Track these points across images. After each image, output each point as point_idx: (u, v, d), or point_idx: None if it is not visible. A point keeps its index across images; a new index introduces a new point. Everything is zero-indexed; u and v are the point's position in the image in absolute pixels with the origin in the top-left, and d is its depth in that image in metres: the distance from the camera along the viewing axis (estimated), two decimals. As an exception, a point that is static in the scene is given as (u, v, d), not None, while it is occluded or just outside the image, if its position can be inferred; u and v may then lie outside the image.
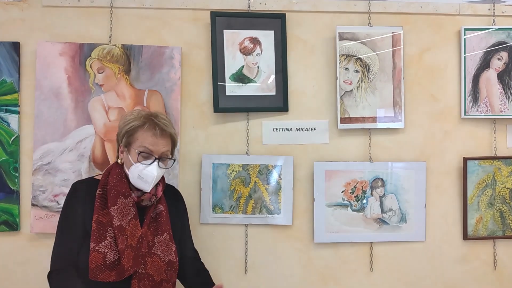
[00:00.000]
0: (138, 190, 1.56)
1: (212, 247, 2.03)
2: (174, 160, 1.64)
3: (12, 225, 1.96)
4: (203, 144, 2.06)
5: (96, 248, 1.47)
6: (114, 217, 1.49)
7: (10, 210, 1.96)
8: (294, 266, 2.07)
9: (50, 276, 1.53)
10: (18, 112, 1.98)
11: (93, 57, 1.99)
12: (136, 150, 1.54)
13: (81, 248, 1.50)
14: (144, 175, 1.52)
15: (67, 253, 1.52)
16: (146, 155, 1.54)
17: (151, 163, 1.53)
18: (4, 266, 1.97)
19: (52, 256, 1.55)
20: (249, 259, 2.05)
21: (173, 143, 1.63)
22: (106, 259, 1.47)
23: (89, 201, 1.53)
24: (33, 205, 1.94)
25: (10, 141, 1.97)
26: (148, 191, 1.53)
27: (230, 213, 2.03)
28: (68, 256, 1.51)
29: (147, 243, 1.54)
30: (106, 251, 1.47)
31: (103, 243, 1.48)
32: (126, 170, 1.57)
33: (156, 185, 1.59)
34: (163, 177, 1.65)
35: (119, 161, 1.61)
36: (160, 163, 1.55)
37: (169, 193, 1.70)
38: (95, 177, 1.65)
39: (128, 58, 2.00)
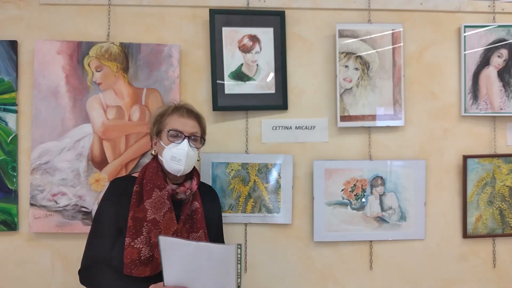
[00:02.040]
0: (173, 183, 1.58)
1: (212, 246, 2.03)
2: (204, 141, 1.65)
3: (11, 225, 1.95)
4: (202, 143, 2.05)
5: (132, 243, 1.48)
6: (148, 211, 1.50)
7: (8, 210, 1.95)
8: (293, 265, 2.07)
9: (81, 272, 1.55)
10: (16, 111, 1.97)
11: (91, 56, 1.98)
12: (167, 132, 1.57)
13: (114, 246, 1.51)
14: (176, 153, 1.54)
15: (98, 250, 1.53)
16: (175, 133, 1.56)
17: (181, 141, 1.55)
18: (2, 265, 1.97)
19: (84, 252, 1.56)
20: (248, 258, 2.05)
21: (202, 128, 1.64)
22: (141, 255, 1.47)
23: (124, 199, 1.54)
24: (31, 204, 1.94)
25: (8, 141, 1.96)
26: (182, 171, 1.54)
27: (230, 212, 2.02)
28: (100, 253, 1.53)
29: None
30: (141, 246, 1.48)
31: (138, 238, 1.49)
32: (160, 158, 1.58)
33: (191, 179, 1.61)
34: (197, 172, 1.67)
35: (153, 152, 1.62)
36: (190, 142, 1.56)
37: (205, 191, 1.71)
38: (133, 175, 1.66)
39: (126, 56, 1.99)
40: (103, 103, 1.98)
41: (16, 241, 1.97)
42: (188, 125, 1.58)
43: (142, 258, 1.47)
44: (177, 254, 1.40)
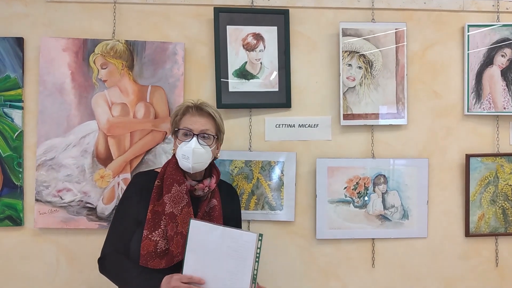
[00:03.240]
0: (192, 179, 1.60)
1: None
2: (217, 138, 1.65)
3: (16, 220, 1.97)
4: (206, 140, 2.06)
5: (149, 236, 1.51)
6: (167, 205, 1.53)
7: (14, 205, 1.97)
8: (296, 262, 2.08)
9: (100, 261, 1.58)
10: (21, 108, 1.99)
11: (96, 53, 1.99)
12: (178, 131, 1.61)
13: (132, 237, 1.55)
14: (185, 151, 1.56)
15: (118, 240, 1.57)
16: (185, 131, 1.59)
17: (190, 140, 1.58)
18: (8, 260, 1.99)
19: (104, 242, 1.60)
20: (251, 254, 2.06)
21: (217, 125, 1.64)
22: (157, 247, 1.50)
23: (145, 193, 1.58)
24: (36, 200, 1.95)
25: (14, 137, 1.98)
26: (191, 167, 1.56)
27: (233, 209, 2.03)
28: (119, 242, 1.56)
29: None
30: (158, 239, 1.51)
31: (156, 231, 1.52)
32: (177, 158, 1.61)
33: (210, 177, 1.64)
34: (217, 170, 1.69)
35: (172, 151, 1.66)
36: (199, 139, 1.58)
37: (224, 189, 1.73)
38: (156, 170, 1.68)
39: (131, 54, 2.01)
40: (108, 100, 1.99)
41: (21, 237, 1.99)
42: (197, 123, 1.60)
43: (158, 250, 1.50)
44: (203, 239, 1.44)
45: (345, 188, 2.06)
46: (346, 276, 2.09)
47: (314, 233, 2.07)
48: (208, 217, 1.60)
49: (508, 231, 2.11)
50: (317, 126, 2.09)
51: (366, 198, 2.07)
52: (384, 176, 2.07)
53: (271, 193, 2.05)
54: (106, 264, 1.57)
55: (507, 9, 2.15)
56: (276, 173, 2.05)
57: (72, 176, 1.96)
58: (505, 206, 2.11)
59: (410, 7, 2.13)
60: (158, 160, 1.98)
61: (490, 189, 2.10)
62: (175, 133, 1.64)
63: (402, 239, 2.10)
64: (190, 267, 1.45)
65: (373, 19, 2.10)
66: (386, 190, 2.07)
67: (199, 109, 1.62)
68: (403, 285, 2.10)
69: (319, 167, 2.05)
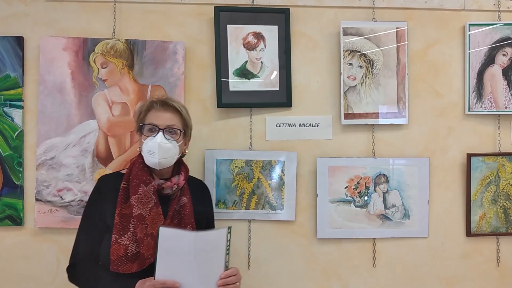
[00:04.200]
0: (160, 178, 1.58)
1: (215, 242, 2.04)
2: (182, 132, 1.62)
3: (16, 220, 1.97)
4: (207, 140, 2.06)
5: (118, 240, 1.48)
6: (134, 206, 1.50)
7: (14, 205, 1.97)
8: (297, 262, 2.07)
9: (69, 269, 1.56)
10: (21, 107, 1.98)
11: (96, 52, 1.99)
12: (143, 127, 1.58)
13: (101, 243, 1.52)
14: (150, 146, 1.54)
15: (86, 247, 1.54)
16: (149, 127, 1.57)
17: (156, 134, 1.55)
18: (8, 260, 1.98)
19: (72, 250, 1.57)
20: (252, 254, 2.06)
21: (183, 119, 1.63)
22: (128, 251, 1.47)
23: (112, 196, 1.55)
24: (37, 199, 1.95)
25: (14, 136, 1.98)
26: (157, 163, 1.54)
27: (233, 209, 2.03)
28: (88, 250, 1.53)
29: None
30: (128, 243, 1.48)
31: (125, 235, 1.49)
32: (143, 154, 1.58)
33: (178, 174, 1.61)
34: (186, 167, 1.67)
35: (138, 149, 1.63)
36: (166, 134, 1.56)
37: (194, 186, 1.71)
38: (121, 171, 1.66)
39: (131, 53, 2.00)
40: (108, 100, 1.99)
41: (21, 236, 1.98)
42: (163, 118, 1.57)
43: (129, 254, 1.47)
44: (174, 245, 1.41)
45: (346, 187, 2.06)
46: (347, 275, 2.09)
47: (315, 233, 2.07)
48: (178, 216, 1.58)
49: (509, 231, 2.11)
50: (317, 125, 2.09)
51: (367, 197, 2.06)
52: (385, 175, 2.07)
53: (271, 192, 2.04)
54: (76, 273, 1.54)
55: (508, 8, 2.15)
56: (276, 172, 2.04)
57: (73, 175, 1.96)
58: (507, 205, 2.11)
59: (411, 6, 2.12)
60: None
61: (491, 188, 2.10)
62: (139, 129, 1.60)
63: (403, 238, 2.09)
64: (163, 273, 1.41)
65: (374, 18, 2.10)
66: (387, 190, 2.07)
67: (164, 103, 1.60)
68: (404, 284, 2.10)
69: (319, 167, 2.04)
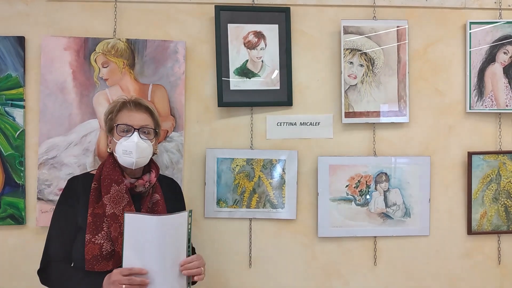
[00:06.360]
0: (131, 177, 1.59)
1: (216, 241, 2.04)
2: (157, 133, 1.65)
3: (18, 219, 1.97)
4: (207, 139, 2.06)
5: (92, 240, 1.49)
6: (107, 206, 1.51)
7: (16, 204, 1.97)
8: (298, 260, 2.08)
9: (40, 272, 1.56)
10: (23, 107, 1.99)
11: (97, 52, 1.99)
12: (116, 127, 1.58)
13: (73, 244, 1.53)
14: (126, 146, 1.54)
15: (59, 248, 1.54)
16: (124, 127, 1.58)
17: (131, 134, 1.56)
18: (10, 259, 1.99)
19: (43, 253, 1.58)
20: (253, 253, 2.06)
21: (155, 120, 1.64)
22: (103, 250, 1.48)
23: (82, 197, 1.56)
24: (38, 199, 1.96)
25: (16, 135, 1.98)
26: (134, 163, 1.54)
27: (234, 207, 2.04)
28: (60, 251, 1.54)
29: None
30: (102, 242, 1.49)
31: (99, 234, 1.50)
32: (115, 155, 1.59)
33: (149, 172, 1.62)
34: (156, 165, 1.68)
35: (108, 150, 1.64)
36: (141, 134, 1.57)
37: (165, 183, 1.73)
38: (91, 172, 1.67)
39: (132, 53, 2.01)
40: (109, 99, 1.99)
41: (23, 235, 1.99)
42: (137, 118, 1.59)
43: (104, 253, 1.48)
44: (139, 231, 1.43)
45: (347, 186, 2.06)
46: (348, 274, 2.09)
47: (316, 231, 2.07)
48: (151, 213, 1.58)
49: (510, 229, 2.11)
50: (318, 124, 2.09)
51: (368, 196, 2.06)
52: (386, 174, 2.07)
53: (272, 191, 2.04)
54: (48, 275, 1.54)
55: (509, 6, 2.14)
56: (277, 171, 2.05)
57: (74, 174, 1.96)
58: (508, 204, 2.11)
59: (411, 4, 2.12)
60: (160, 159, 1.98)
61: (492, 187, 2.10)
62: (111, 130, 1.61)
63: (404, 237, 2.09)
64: (129, 260, 1.43)
65: (374, 16, 2.10)
66: (388, 188, 2.07)
67: (137, 104, 1.61)
68: (405, 283, 2.10)
69: (320, 165, 2.05)
